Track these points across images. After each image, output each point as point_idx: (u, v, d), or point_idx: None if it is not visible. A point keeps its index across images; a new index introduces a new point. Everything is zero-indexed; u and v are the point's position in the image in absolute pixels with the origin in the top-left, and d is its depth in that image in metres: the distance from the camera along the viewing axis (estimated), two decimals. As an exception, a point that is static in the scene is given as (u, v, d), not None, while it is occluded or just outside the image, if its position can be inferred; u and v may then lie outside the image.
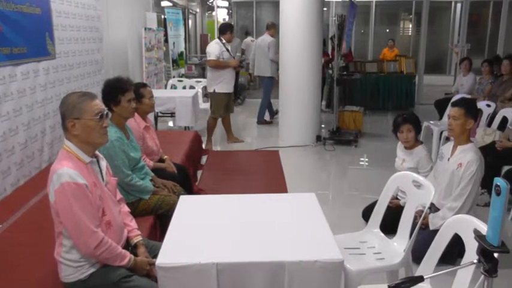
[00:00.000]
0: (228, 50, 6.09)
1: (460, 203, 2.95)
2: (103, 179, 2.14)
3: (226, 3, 15.19)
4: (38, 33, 3.91)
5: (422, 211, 2.63)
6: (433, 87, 10.71)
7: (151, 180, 3.15)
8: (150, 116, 4.18)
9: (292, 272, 1.85)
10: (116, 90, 2.90)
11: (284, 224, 2.25)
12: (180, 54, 10.17)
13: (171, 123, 7.58)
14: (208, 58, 6.04)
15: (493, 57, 7.89)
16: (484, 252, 1.34)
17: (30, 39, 3.72)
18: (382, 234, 2.68)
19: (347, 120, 6.89)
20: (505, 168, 4.04)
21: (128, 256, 2.08)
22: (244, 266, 1.87)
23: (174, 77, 9.05)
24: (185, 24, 12.84)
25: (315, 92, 6.35)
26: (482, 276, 1.38)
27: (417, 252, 2.42)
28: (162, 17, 9.94)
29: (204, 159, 5.55)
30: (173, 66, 9.58)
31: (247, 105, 9.53)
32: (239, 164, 5.62)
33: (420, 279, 1.45)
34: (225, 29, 6.16)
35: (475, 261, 1.41)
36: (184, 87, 7.72)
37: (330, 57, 8.56)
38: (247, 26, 14.04)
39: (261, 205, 2.52)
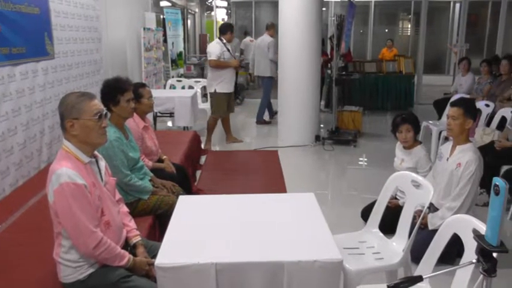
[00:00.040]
0: (228, 50, 6.11)
1: (459, 203, 2.95)
2: (102, 179, 2.14)
3: (225, 3, 15.18)
4: (37, 33, 3.90)
5: (421, 211, 2.63)
6: (432, 87, 10.72)
7: (150, 180, 3.15)
8: (149, 116, 4.18)
9: (291, 272, 1.85)
10: (115, 90, 2.90)
11: (283, 224, 2.25)
12: (179, 54, 10.17)
13: (170, 123, 7.58)
14: (209, 58, 6.04)
15: (492, 57, 7.91)
16: (483, 252, 1.35)
17: (29, 39, 3.71)
18: (381, 234, 2.68)
19: (346, 120, 6.90)
20: (504, 167, 4.05)
21: (127, 256, 2.08)
22: (243, 266, 1.87)
23: (173, 77, 9.04)
24: (184, 24, 12.82)
25: (313, 92, 6.35)
26: (481, 275, 1.38)
27: (416, 252, 2.42)
28: (161, 17, 9.93)
29: (203, 159, 5.55)
30: (172, 66, 9.57)
31: (246, 105, 9.53)
32: (238, 164, 5.61)
33: (419, 279, 1.45)
34: (226, 29, 6.17)
35: (474, 261, 1.41)
36: (183, 87, 7.72)
37: (329, 57, 8.55)
38: (246, 26, 14.04)
39: (260, 205, 2.52)
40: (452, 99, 3.39)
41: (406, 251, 2.41)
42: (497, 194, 1.26)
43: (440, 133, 5.37)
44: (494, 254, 1.35)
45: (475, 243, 1.38)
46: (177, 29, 10.06)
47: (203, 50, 14.33)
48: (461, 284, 1.85)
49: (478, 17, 14.72)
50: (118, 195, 2.34)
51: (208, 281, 1.84)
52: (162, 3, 11.60)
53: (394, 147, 3.84)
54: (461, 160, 2.97)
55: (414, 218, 2.56)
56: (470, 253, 1.78)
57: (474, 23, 14.32)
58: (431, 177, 3.30)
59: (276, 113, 7.54)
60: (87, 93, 2.10)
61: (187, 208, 2.46)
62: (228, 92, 6.10)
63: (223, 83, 6.02)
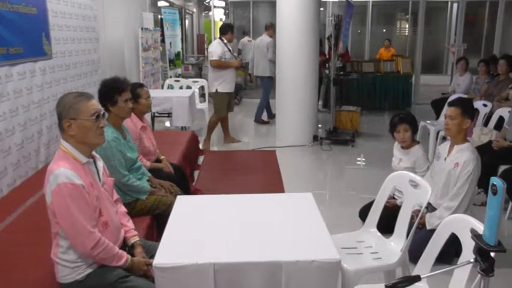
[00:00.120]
0: (230, 50, 6.13)
1: (456, 203, 2.95)
2: (100, 180, 2.13)
3: (223, 3, 15.18)
4: (34, 33, 3.90)
5: (419, 211, 2.63)
6: (430, 87, 10.74)
7: (148, 180, 3.14)
8: (147, 116, 4.18)
9: (290, 271, 1.86)
10: (113, 90, 2.89)
11: (281, 224, 2.25)
12: (177, 54, 10.16)
13: (167, 124, 7.57)
14: (210, 58, 6.06)
15: (490, 57, 7.92)
16: (481, 252, 1.35)
17: (27, 39, 3.71)
18: (379, 233, 2.68)
19: (344, 120, 6.90)
20: (502, 167, 4.05)
21: (125, 256, 2.08)
22: (242, 266, 1.87)
23: (171, 77, 9.03)
24: (182, 24, 12.82)
25: (311, 92, 6.36)
26: (479, 275, 1.38)
27: (414, 252, 2.42)
28: (159, 17, 9.93)
29: (201, 159, 5.54)
30: (170, 66, 9.56)
31: (244, 105, 9.53)
32: (236, 164, 5.61)
33: (417, 278, 1.45)
34: (226, 29, 6.19)
35: (472, 260, 1.42)
36: (181, 87, 7.71)
37: (327, 57, 8.56)
38: (244, 26, 14.03)
39: (258, 205, 2.52)
40: (450, 99, 3.40)
41: (404, 250, 2.41)
42: (494, 193, 1.27)
43: (438, 133, 5.38)
44: (492, 254, 1.35)
45: (473, 243, 1.38)
46: (174, 29, 10.05)
47: (201, 50, 14.35)
48: (459, 284, 1.86)
49: (476, 17, 14.74)
50: (116, 196, 2.34)
51: (207, 281, 1.83)
52: (160, 3, 11.60)
53: (392, 147, 3.85)
54: (459, 160, 2.98)
55: (412, 218, 2.57)
56: (468, 253, 1.79)
57: (472, 23, 14.35)
58: (429, 177, 3.31)
59: (274, 116, 7.54)
60: (84, 93, 2.09)
61: (185, 208, 2.45)
62: (229, 92, 6.14)
63: (224, 83, 6.04)
